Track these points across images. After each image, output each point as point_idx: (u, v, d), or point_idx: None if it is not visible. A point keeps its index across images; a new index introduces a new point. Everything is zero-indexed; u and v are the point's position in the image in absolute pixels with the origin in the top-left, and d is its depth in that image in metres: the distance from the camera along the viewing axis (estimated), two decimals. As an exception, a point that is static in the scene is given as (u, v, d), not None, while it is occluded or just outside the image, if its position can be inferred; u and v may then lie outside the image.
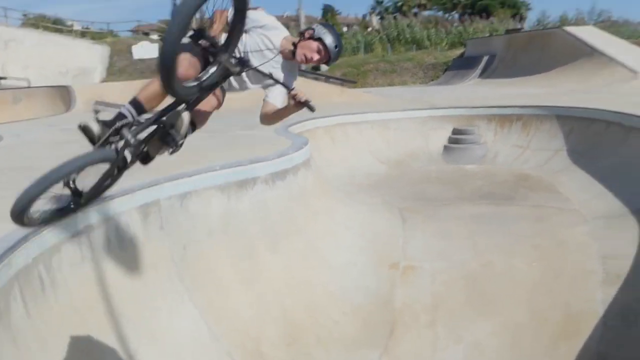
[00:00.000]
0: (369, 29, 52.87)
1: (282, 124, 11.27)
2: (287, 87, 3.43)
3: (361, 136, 13.03)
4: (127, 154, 3.05)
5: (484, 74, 26.84)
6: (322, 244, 7.70)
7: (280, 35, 3.55)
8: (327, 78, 21.83)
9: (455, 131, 13.39)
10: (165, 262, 6.07)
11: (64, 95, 17.86)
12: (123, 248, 5.62)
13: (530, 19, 57.80)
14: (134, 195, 5.82)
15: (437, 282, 7.36)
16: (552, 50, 21.75)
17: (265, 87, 3.73)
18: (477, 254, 7.63)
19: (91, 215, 5.17)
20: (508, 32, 30.90)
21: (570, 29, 21.74)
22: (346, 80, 22.61)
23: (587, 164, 10.24)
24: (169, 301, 5.86)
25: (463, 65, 29.41)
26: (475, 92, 19.59)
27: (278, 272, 7.01)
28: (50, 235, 4.26)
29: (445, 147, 13.22)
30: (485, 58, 27.31)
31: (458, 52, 34.43)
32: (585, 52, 19.66)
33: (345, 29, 58.77)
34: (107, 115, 3.33)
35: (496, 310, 6.79)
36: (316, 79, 20.67)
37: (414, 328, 6.85)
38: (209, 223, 6.62)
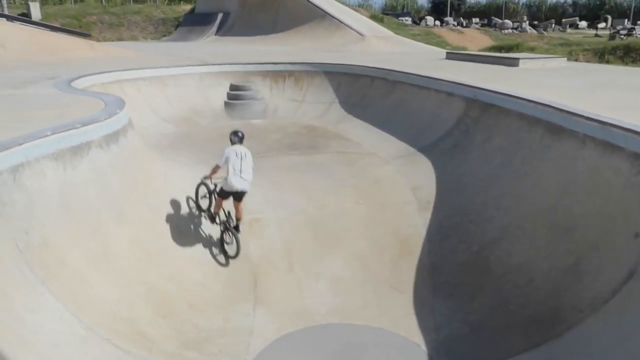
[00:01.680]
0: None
1: (62, 81, 9.77)
2: None
3: (140, 94, 12.12)
4: None
5: (220, 31, 27.23)
6: (166, 210, 7.23)
7: None
8: (57, 29, 19.00)
9: (233, 87, 13.63)
10: (11, 253, 5.00)
11: None
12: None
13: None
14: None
15: (284, 230, 7.79)
16: (286, 11, 23.51)
17: None
18: (311, 199, 8.31)
19: None
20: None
21: (302, -9, 23.88)
22: (80, 34, 20.04)
23: (361, 114, 11.89)
24: (27, 297, 4.89)
25: (197, 21, 29.14)
26: (224, 48, 19.90)
27: (129, 246, 6.40)
28: None
29: (226, 104, 13.38)
30: (220, 15, 27.68)
31: (186, 7, 33.78)
32: (317, 15, 21.96)
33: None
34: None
35: (341, 245, 7.65)
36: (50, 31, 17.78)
37: (275, 275, 7.20)
38: (47, 200, 5.60)
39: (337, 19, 21.12)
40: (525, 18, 53.13)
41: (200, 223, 7.47)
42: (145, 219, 6.83)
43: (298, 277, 7.22)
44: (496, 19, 50.32)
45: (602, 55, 15.03)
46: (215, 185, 7.16)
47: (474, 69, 12.32)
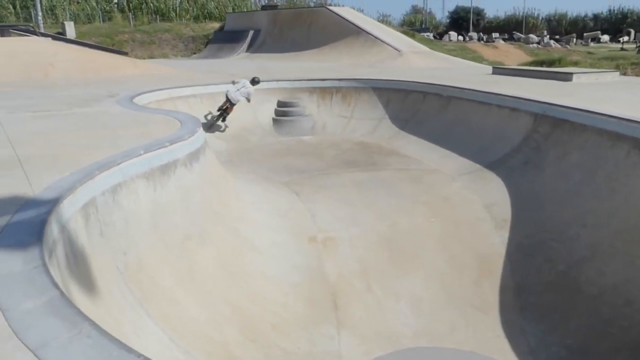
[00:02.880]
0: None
1: (124, 98, 9.81)
2: None
3: (192, 111, 12.12)
4: None
5: (251, 48, 27.43)
6: (242, 227, 7.14)
7: None
8: (97, 48, 19.27)
9: (281, 104, 13.61)
10: (113, 274, 4.93)
11: None
12: (78, 264, 4.38)
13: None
14: (75, 195, 4.53)
15: (357, 248, 7.64)
16: (319, 27, 23.63)
17: None
18: (381, 216, 8.16)
19: (53, 227, 3.91)
20: (264, 8, 32.09)
21: (334, 8, 23.99)
22: (119, 52, 20.31)
23: (414, 130, 11.75)
24: (131, 321, 4.79)
25: (226, 39, 29.42)
26: (262, 65, 19.97)
27: (213, 265, 6.30)
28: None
29: (275, 120, 13.35)
30: (251, 32, 27.90)
31: (215, 25, 34.17)
32: (352, 31, 22.01)
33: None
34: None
35: (418, 264, 7.47)
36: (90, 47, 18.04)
37: (354, 295, 7.03)
38: (140, 220, 5.54)
39: (373, 35, 21.14)
40: (545, 32, 53.09)
41: (275, 241, 7.35)
42: (224, 238, 6.74)
43: (377, 298, 7.04)
44: (518, 33, 50.32)
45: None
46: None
47: (527, 84, 12.14)
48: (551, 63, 16.76)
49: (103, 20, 40.13)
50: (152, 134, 6.72)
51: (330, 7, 23.52)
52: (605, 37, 49.99)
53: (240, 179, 8.24)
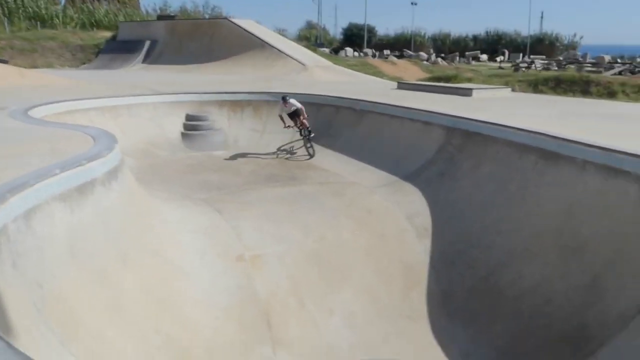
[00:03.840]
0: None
1: (17, 111, 8.83)
2: None
3: (94, 124, 11.27)
4: None
5: (147, 59, 26.24)
6: (167, 250, 6.69)
7: None
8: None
9: (189, 117, 13.11)
10: (29, 310, 4.38)
11: None
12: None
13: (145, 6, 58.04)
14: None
15: (287, 265, 7.47)
16: (222, 39, 23.18)
17: None
18: (308, 231, 8.06)
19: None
20: (160, 18, 30.85)
21: (236, 20, 23.64)
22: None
23: (329, 144, 11.86)
24: (55, 364, 4.30)
25: (121, 48, 27.87)
26: (162, 77, 19.16)
27: (139, 293, 5.84)
28: None
29: (184, 134, 12.81)
30: (148, 43, 26.68)
31: (105, 34, 32.25)
32: (256, 44, 21.85)
33: None
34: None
35: (348, 277, 7.47)
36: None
37: (287, 313, 6.86)
38: (56, 247, 5.00)
39: (277, 49, 21.16)
40: (431, 51, 56.81)
41: (201, 262, 6.96)
42: (148, 262, 6.26)
43: (311, 314, 6.93)
44: (408, 51, 53.28)
45: (535, 86, 16.33)
46: None
47: (433, 99, 12.79)
48: (448, 79, 17.89)
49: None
50: (65, 151, 6.11)
51: (233, 19, 23.16)
52: (484, 57, 54.36)
53: (158, 198, 7.74)
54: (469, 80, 17.74)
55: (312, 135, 11.65)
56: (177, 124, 12.97)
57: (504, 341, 6.34)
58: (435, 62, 42.32)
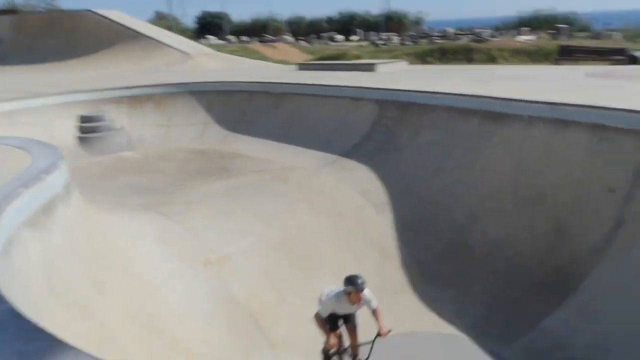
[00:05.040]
0: None
1: None
2: None
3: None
4: None
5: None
6: (136, 266, 5.88)
7: None
8: None
9: (84, 119, 11.68)
10: None
11: None
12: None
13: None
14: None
15: (256, 261, 7.00)
16: (87, 34, 20.92)
17: None
18: (269, 222, 7.64)
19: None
20: (1, 12, 26.88)
21: (102, 11, 21.33)
22: None
23: (249, 131, 11.37)
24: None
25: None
26: (16, 80, 16.78)
27: (122, 320, 5.10)
28: None
29: (81, 139, 11.41)
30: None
31: None
32: (128, 35, 20.05)
33: None
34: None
35: (320, 262, 7.23)
36: None
37: (273, 312, 6.46)
38: (34, 281, 4.15)
39: (154, 39, 19.65)
40: (290, 34, 57.26)
41: (171, 274, 6.24)
42: (124, 284, 5.46)
43: (295, 306, 6.58)
44: (268, 35, 53.09)
45: (422, 57, 17.17)
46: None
47: (342, 76, 12.80)
48: (336, 58, 18.09)
49: None
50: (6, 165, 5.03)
51: (97, 11, 20.95)
52: (340, 37, 56.02)
53: (104, 210, 6.74)
54: (357, 57, 18.13)
55: None
56: (69, 128, 11.49)
57: (489, 295, 6.59)
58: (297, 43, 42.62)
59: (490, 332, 6.08)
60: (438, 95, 8.58)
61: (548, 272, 6.43)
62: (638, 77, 10.48)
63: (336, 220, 7.90)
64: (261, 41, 45.21)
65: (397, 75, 12.55)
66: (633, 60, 14.59)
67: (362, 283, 4.67)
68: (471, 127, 8.06)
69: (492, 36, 30.67)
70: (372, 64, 13.52)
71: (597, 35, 28.44)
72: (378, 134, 9.33)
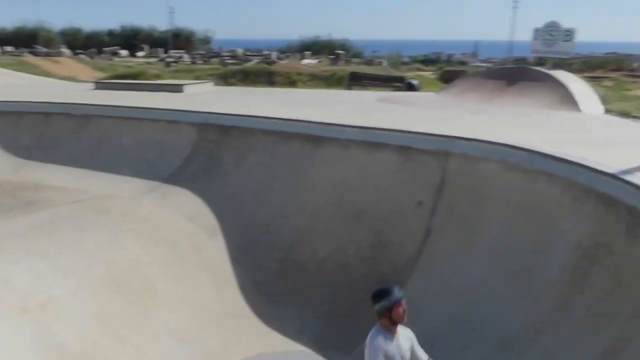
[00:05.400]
0: None
1: None
2: None
3: None
4: None
5: None
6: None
7: None
8: None
9: None
10: None
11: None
12: None
13: None
14: None
15: (85, 301, 6.35)
16: None
17: None
18: (92, 257, 6.98)
19: None
20: None
21: None
22: None
23: (49, 157, 10.18)
24: None
25: None
26: None
27: None
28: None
29: None
30: None
31: None
32: None
33: None
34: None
35: (156, 294, 6.90)
36: None
37: (115, 353, 5.94)
38: None
39: None
40: (64, 46, 52.29)
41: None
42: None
43: (138, 345, 6.19)
44: (40, 47, 47.57)
45: (225, 79, 17.36)
46: None
47: (152, 97, 12.31)
48: (135, 76, 17.15)
49: None
50: None
51: None
52: (125, 52, 53.18)
53: None
54: (158, 76, 17.54)
55: None
56: None
57: (325, 310, 7.12)
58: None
59: (331, 344, 6.56)
60: (259, 119, 8.94)
61: (374, 282, 7.19)
62: (419, 103, 12.38)
63: (167, 248, 7.62)
64: (33, 53, 40.27)
65: (206, 96, 12.58)
66: (410, 87, 17.17)
67: (391, 291, 3.53)
68: (293, 150, 8.58)
69: (279, 58, 32.63)
70: (180, 85, 13.30)
71: (369, 62, 32.49)
72: (200, 158, 9.28)
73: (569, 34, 12.99)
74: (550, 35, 13.47)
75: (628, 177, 5.00)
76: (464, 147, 7.14)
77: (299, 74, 17.87)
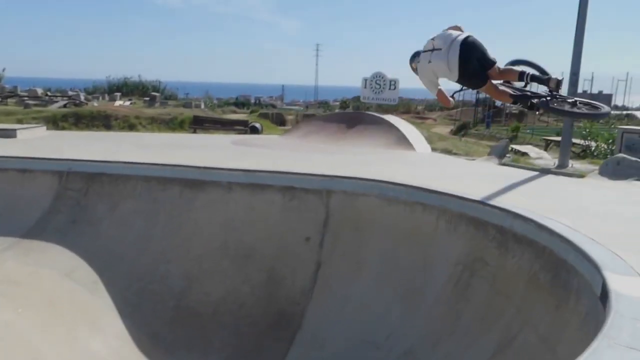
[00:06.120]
0: None
1: None
2: None
3: None
4: None
5: None
6: None
7: None
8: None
9: None
10: None
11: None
12: None
13: None
14: None
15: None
16: None
17: None
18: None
19: None
20: None
21: None
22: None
23: None
24: None
25: None
26: None
27: None
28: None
29: None
30: None
31: None
32: None
33: None
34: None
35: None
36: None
37: None
38: None
39: None
40: None
41: None
42: None
43: None
44: None
45: (55, 122, 15.79)
46: None
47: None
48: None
49: None
50: None
51: None
52: None
53: None
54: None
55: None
56: None
57: (229, 351, 7.17)
58: None
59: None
60: (131, 165, 8.67)
61: (274, 317, 7.50)
62: (270, 145, 13.07)
63: (47, 311, 6.90)
64: None
65: (49, 141, 11.56)
66: (254, 130, 17.79)
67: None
68: (173, 194, 8.50)
69: (88, 100, 30.54)
70: (14, 130, 11.94)
71: (188, 104, 31.91)
72: (65, 209, 8.57)
73: (394, 83, 15.10)
74: (377, 84, 15.48)
75: (492, 202, 6.26)
76: (345, 185, 7.96)
77: (137, 117, 17.22)
